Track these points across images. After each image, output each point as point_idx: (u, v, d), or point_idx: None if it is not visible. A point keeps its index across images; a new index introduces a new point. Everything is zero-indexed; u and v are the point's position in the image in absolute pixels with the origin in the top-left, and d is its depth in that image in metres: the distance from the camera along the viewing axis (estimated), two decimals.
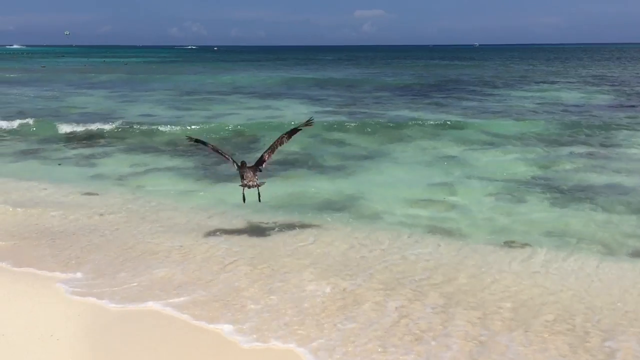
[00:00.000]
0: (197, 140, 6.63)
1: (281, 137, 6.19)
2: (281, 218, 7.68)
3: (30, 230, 7.10)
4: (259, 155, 6.69)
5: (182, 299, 5.10)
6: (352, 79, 37.14)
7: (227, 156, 6.14)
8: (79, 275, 5.67)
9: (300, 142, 13.42)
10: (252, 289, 5.33)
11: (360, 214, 7.95)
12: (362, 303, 5.00)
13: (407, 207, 8.27)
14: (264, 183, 6.39)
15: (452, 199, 8.73)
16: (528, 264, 6.05)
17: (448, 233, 7.10)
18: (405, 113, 19.20)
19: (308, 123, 6.52)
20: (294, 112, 19.71)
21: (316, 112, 19.67)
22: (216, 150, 6.48)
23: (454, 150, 12.67)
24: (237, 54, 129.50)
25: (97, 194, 8.95)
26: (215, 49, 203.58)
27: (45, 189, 9.21)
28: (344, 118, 17.96)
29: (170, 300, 5.06)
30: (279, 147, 6.21)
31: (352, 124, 16.46)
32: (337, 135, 14.63)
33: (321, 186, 9.47)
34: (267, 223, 7.47)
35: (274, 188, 9.30)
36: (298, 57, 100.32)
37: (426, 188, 9.38)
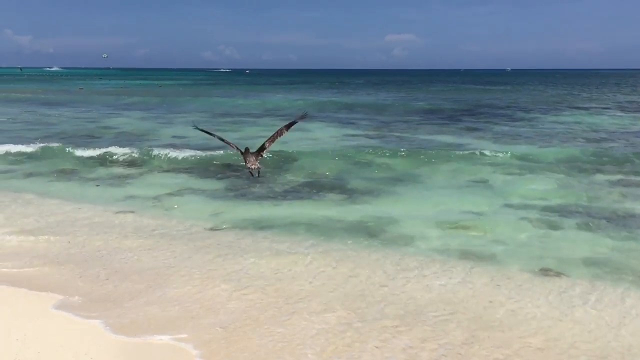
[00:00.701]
0: (204, 131, 7.27)
1: (281, 130, 6.61)
2: (308, 241, 7.68)
3: (62, 252, 7.24)
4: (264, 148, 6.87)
5: (188, 333, 4.94)
6: (383, 103, 37.21)
7: (232, 144, 6.59)
8: (97, 300, 5.72)
9: (330, 166, 13.49)
10: (264, 316, 5.26)
11: (389, 239, 7.89)
12: (367, 341, 4.77)
13: (438, 233, 8.19)
14: (262, 168, 6.76)
15: (485, 225, 8.61)
16: (563, 295, 5.90)
17: (479, 260, 6.99)
18: (437, 137, 19.12)
19: (303, 117, 7.00)
20: (325, 134, 19.81)
21: (347, 135, 19.75)
22: (222, 140, 7.04)
23: (486, 175, 12.53)
24: (269, 76, 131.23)
25: (131, 214, 9.12)
26: (247, 72, 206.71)
27: (80, 208, 9.41)
28: (374, 142, 17.98)
29: (179, 336, 4.89)
30: (279, 138, 6.65)
31: (383, 148, 16.46)
32: (367, 159, 14.62)
33: (350, 210, 9.45)
34: (294, 246, 7.47)
35: (304, 211, 9.36)
36: (329, 80, 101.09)
37: (458, 214, 9.28)
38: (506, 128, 21.99)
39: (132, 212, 9.26)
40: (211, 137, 6.70)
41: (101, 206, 9.58)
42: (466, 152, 15.61)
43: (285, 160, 14.15)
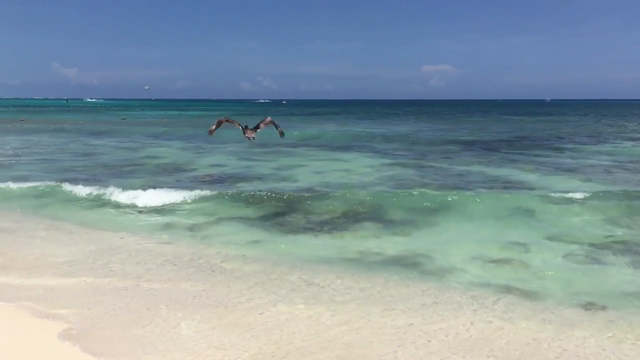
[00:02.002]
0: (213, 130, 8.93)
1: (273, 122, 8.89)
2: (344, 273, 7.59)
3: (98, 280, 7.35)
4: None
5: None
6: (420, 134, 37.08)
7: (237, 123, 8.71)
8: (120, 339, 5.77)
9: (366, 197, 13.41)
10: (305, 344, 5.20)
11: (427, 272, 7.73)
12: None
13: (478, 267, 7.99)
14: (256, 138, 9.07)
15: (527, 259, 8.37)
16: (610, 331, 5.65)
17: (521, 295, 6.76)
18: (476, 168, 18.86)
19: (281, 133, 9.25)
20: (361, 165, 19.80)
21: (383, 165, 19.68)
22: (228, 121, 8.86)
23: (527, 207, 12.23)
24: (305, 107, 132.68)
25: (170, 244, 9.22)
26: (284, 102, 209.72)
27: (122, 238, 9.58)
28: (411, 172, 17.86)
29: None
30: (264, 127, 8.96)
31: (420, 179, 16.35)
32: (404, 190, 14.50)
33: (386, 242, 9.34)
34: (329, 278, 7.39)
35: (340, 242, 9.30)
36: (365, 110, 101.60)
37: (498, 247, 9.06)
38: (548, 159, 21.55)
39: (169, 242, 9.36)
40: (223, 123, 8.68)
41: (139, 235, 9.73)
42: (507, 184, 15.35)
43: (321, 191, 14.16)
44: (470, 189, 14.56)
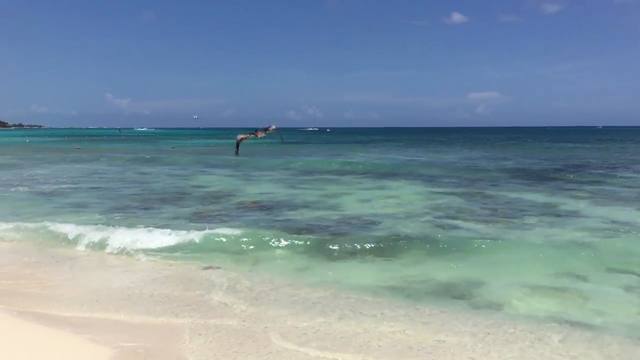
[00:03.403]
0: (237, 148, 11.06)
1: (275, 128, 13.21)
2: (392, 303, 7.49)
3: (144, 306, 7.48)
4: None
5: None
6: (467, 161, 36.59)
7: (250, 134, 13.76)
8: None
9: (414, 225, 13.28)
10: None
11: (478, 303, 7.53)
12: None
13: (532, 298, 7.73)
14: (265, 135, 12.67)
15: (584, 290, 8.05)
16: None
17: (578, 329, 6.48)
18: (526, 196, 18.41)
19: (282, 138, 13.43)
20: (408, 192, 19.63)
21: (430, 193, 19.47)
22: (244, 137, 12.94)
23: (582, 237, 11.83)
24: (350, 135, 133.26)
25: (219, 269, 9.35)
26: (328, 130, 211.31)
27: (171, 265, 9.76)
28: (459, 200, 17.59)
29: None
30: (271, 130, 13.75)
31: (468, 206, 16.08)
32: (452, 218, 14.29)
33: (436, 271, 9.16)
34: (377, 307, 7.30)
35: (388, 270, 9.19)
36: (410, 137, 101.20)
37: (553, 277, 8.77)
38: (602, 188, 20.85)
39: (219, 267, 9.49)
40: (242, 140, 10.94)
41: (189, 262, 9.89)
42: (560, 213, 14.93)
43: (367, 220, 14.11)
44: (522, 217, 14.21)
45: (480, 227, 13.06)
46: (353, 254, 10.35)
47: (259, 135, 10.54)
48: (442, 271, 9.15)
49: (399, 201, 17.52)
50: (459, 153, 47.46)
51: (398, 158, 40.66)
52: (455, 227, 13.06)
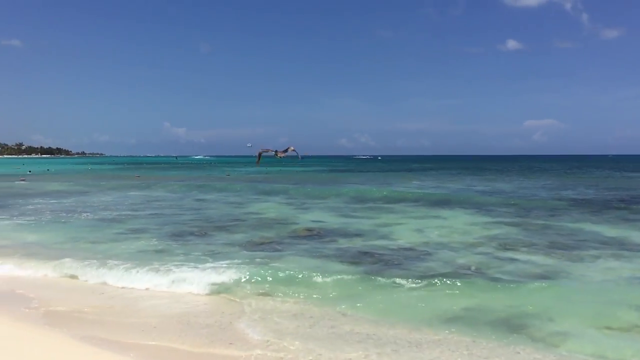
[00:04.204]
0: (259, 158, 12.35)
1: (294, 149, 12.36)
2: (449, 334, 7.34)
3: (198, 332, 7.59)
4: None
5: None
6: (524, 190, 35.68)
7: (270, 149, 11.45)
8: None
9: (469, 255, 13.03)
10: None
11: (538, 336, 7.29)
12: None
13: (594, 333, 7.43)
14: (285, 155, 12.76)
15: None
16: None
17: None
18: (587, 227, 17.75)
19: (300, 157, 12.86)
20: (462, 222, 19.29)
21: (485, 222, 19.08)
22: (264, 150, 12.20)
23: None
24: (402, 162, 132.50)
25: (270, 296, 9.42)
26: (379, 158, 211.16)
27: (229, 289, 9.91)
28: (515, 231, 17.16)
29: None
30: (290, 152, 12.47)
31: (526, 237, 15.66)
32: (509, 249, 13.95)
33: (493, 302, 8.94)
34: (433, 337, 7.18)
35: (443, 301, 9.02)
36: (464, 165, 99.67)
37: (617, 311, 8.38)
38: None
39: (269, 294, 9.55)
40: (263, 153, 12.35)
41: (247, 286, 9.99)
42: (623, 245, 14.33)
43: (421, 250, 13.94)
44: (581, 250, 13.70)
45: (539, 259, 12.67)
46: (407, 284, 10.20)
47: (279, 155, 11.82)
48: (500, 303, 8.91)
49: (453, 231, 17.23)
50: (515, 182, 46.34)
51: (452, 186, 40.08)
52: (512, 259, 12.72)
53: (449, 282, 10.32)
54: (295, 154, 13.95)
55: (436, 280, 10.42)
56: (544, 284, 10.19)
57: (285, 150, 13.76)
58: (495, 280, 10.67)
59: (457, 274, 10.99)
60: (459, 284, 10.24)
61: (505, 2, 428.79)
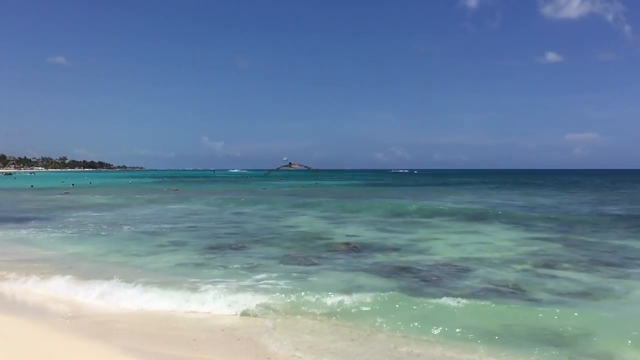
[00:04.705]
0: (271, 173, 13.08)
1: (305, 166, 19.35)
2: (488, 352, 7.23)
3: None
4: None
5: None
6: (565, 205, 34.89)
7: (286, 166, 18.42)
8: None
9: (508, 271, 12.82)
10: None
11: (585, 354, 7.10)
12: None
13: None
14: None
15: None
16: None
17: None
18: (631, 244, 17.23)
19: (310, 169, 18.39)
20: (501, 238, 18.98)
21: (525, 238, 18.73)
22: (278, 169, 17.98)
23: None
24: (439, 176, 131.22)
25: (307, 311, 9.44)
26: (415, 172, 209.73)
27: (266, 304, 9.97)
28: (556, 246, 16.80)
29: None
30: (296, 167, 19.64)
31: (568, 253, 15.31)
32: (549, 264, 13.66)
33: (533, 319, 8.74)
34: (470, 355, 7.08)
35: (481, 316, 8.88)
36: (503, 180, 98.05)
37: None
38: None
39: (305, 309, 9.55)
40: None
41: (280, 301, 10.04)
42: None
43: (459, 266, 13.77)
44: (626, 267, 13.31)
45: (581, 277, 12.37)
46: (444, 301, 10.06)
47: (292, 167, 14.28)
48: (540, 322, 8.70)
49: (492, 247, 16.98)
50: (556, 196, 45.33)
51: (490, 201, 39.47)
52: (553, 276, 12.45)
53: (487, 299, 10.16)
54: (307, 167, 15.85)
55: (474, 297, 10.28)
56: (586, 303, 9.94)
57: (297, 164, 16.25)
58: (535, 298, 10.46)
59: (496, 291, 10.83)
60: (497, 301, 10.07)
61: (544, 14, 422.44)
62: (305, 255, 15.33)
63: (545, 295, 10.65)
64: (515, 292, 10.88)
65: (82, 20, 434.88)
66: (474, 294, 10.52)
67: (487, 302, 9.90)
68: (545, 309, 9.45)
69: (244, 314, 9.39)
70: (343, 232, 20.92)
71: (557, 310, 9.37)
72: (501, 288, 11.11)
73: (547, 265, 13.62)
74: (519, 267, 13.49)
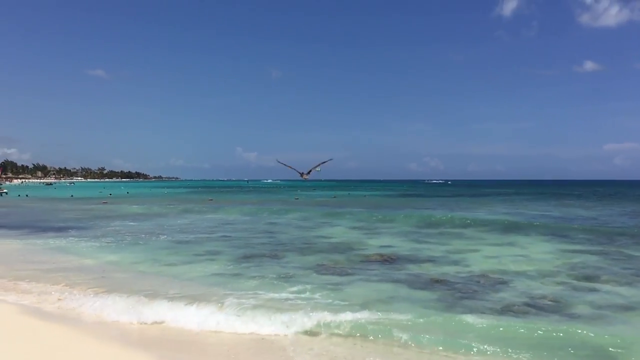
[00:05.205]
0: (285, 164, 12.62)
1: (309, 171, 13.07)
2: None
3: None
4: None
5: None
6: (604, 217, 34.03)
7: (298, 170, 12.33)
8: None
9: (546, 285, 12.60)
10: None
11: None
12: None
13: None
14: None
15: None
16: None
17: None
18: None
19: (325, 162, 13.31)
20: (539, 250, 18.64)
21: (564, 250, 18.35)
22: (293, 168, 12.73)
23: None
24: (474, 187, 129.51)
25: (341, 323, 9.44)
26: (449, 182, 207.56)
27: (301, 315, 10.03)
28: (596, 258, 16.41)
29: None
30: (313, 172, 13.20)
31: (608, 266, 14.94)
32: (588, 278, 13.36)
33: (572, 333, 8.58)
34: None
35: (518, 331, 8.75)
36: (540, 191, 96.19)
37: None
38: None
39: (340, 321, 9.53)
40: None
41: (317, 311, 10.07)
42: None
43: (495, 278, 13.59)
44: None
45: (622, 290, 12.06)
46: (480, 315, 9.96)
47: (304, 177, 15.37)
48: (580, 336, 8.53)
49: (528, 259, 16.70)
50: (595, 207, 44.24)
51: (527, 212, 38.75)
52: (593, 290, 12.17)
53: (524, 313, 10.02)
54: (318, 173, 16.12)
55: (510, 312, 10.15)
56: (627, 319, 9.70)
57: (309, 172, 16.43)
58: (574, 312, 10.25)
59: (534, 304, 10.65)
60: (535, 315, 9.93)
61: (581, 23, 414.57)
62: (340, 266, 15.36)
63: (585, 309, 10.43)
64: (553, 306, 10.68)
65: (120, 34, 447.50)
66: (510, 308, 10.37)
67: (524, 316, 9.77)
68: (585, 323, 9.27)
69: (279, 324, 9.44)
70: (377, 243, 20.86)
71: (598, 325, 9.19)
72: (538, 301, 10.93)
73: (586, 279, 13.33)
74: (556, 280, 13.24)
